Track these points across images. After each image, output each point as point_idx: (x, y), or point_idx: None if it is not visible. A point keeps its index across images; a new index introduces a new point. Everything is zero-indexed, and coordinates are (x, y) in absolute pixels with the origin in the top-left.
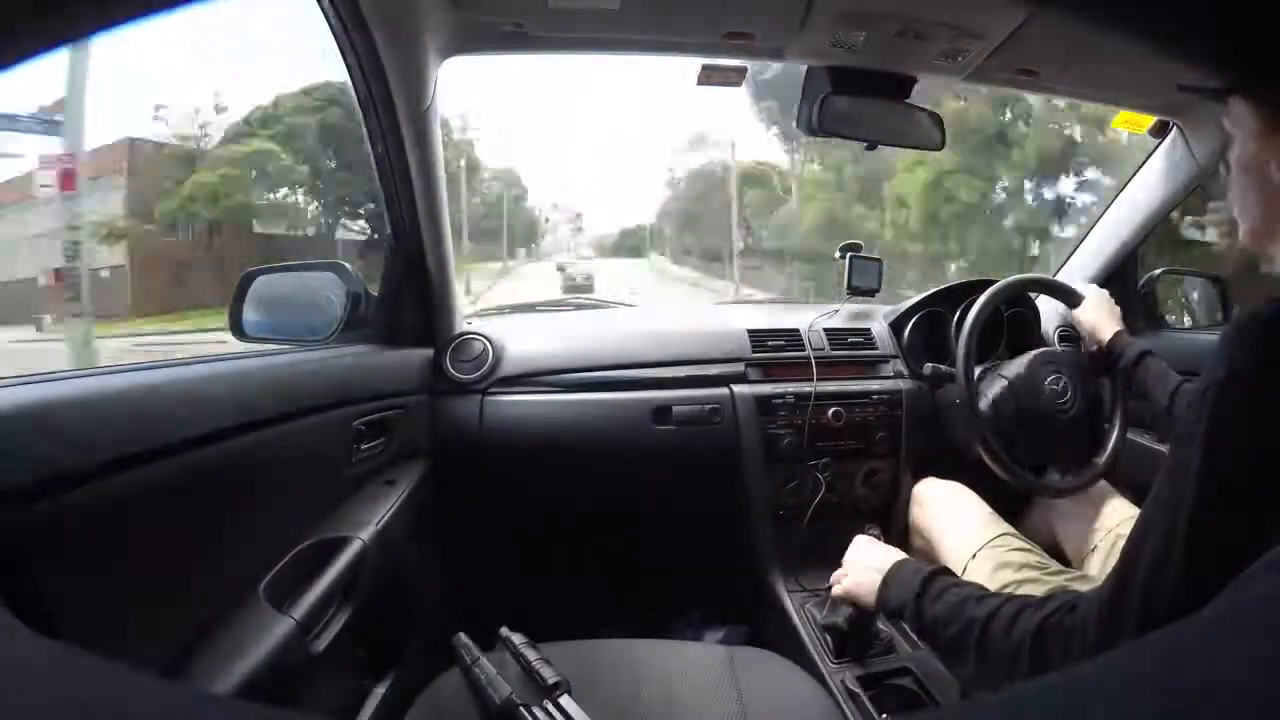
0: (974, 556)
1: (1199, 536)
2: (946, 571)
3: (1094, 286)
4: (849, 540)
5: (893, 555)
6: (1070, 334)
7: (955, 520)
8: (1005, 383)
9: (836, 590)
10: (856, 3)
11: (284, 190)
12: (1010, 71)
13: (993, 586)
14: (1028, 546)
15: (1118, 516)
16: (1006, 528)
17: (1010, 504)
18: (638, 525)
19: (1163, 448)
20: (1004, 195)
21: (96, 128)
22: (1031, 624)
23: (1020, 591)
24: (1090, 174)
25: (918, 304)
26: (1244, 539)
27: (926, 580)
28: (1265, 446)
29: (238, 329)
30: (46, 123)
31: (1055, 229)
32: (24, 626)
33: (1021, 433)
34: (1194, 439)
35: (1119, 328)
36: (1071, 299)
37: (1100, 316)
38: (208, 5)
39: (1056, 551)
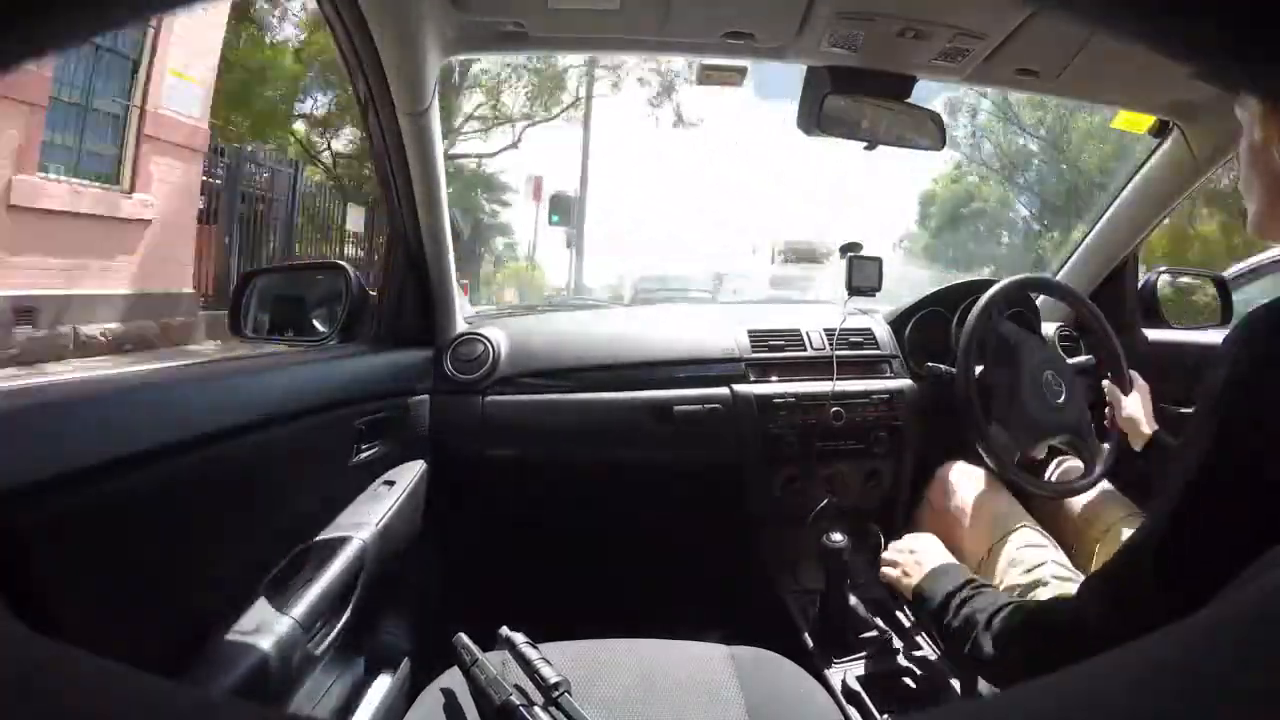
0: (989, 551)
1: (1200, 526)
2: (985, 584)
3: (1140, 379)
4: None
5: (944, 555)
6: (1070, 335)
7: (975, 508)
8: (1004, 382)
9: (886, 571)
10: (856, 3)
11: None
12: (1010, 71)
13: (1004, 582)
14: (1043, 543)
15: (1114, 516)
16: (1026, 519)
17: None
18: (638, 525)
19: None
20: None
21: None
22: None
23: (1029, 597)
24: None
25: (918, 304)
26: (1245, 535)
27: (966, 583)
28: (1267, 445)
29: (238, 329)
30: None
31: None
32: (24, 626)
33: (1013, 425)
34: (1202, 436)
35: (1156, 426)
36: (1124, 385)
37: (1147, 412)
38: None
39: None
